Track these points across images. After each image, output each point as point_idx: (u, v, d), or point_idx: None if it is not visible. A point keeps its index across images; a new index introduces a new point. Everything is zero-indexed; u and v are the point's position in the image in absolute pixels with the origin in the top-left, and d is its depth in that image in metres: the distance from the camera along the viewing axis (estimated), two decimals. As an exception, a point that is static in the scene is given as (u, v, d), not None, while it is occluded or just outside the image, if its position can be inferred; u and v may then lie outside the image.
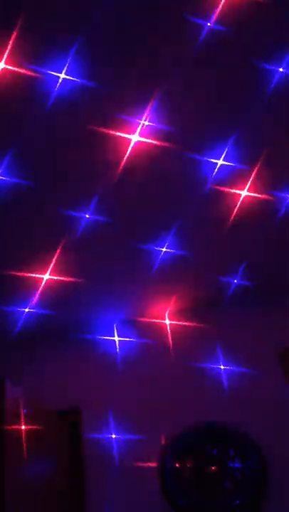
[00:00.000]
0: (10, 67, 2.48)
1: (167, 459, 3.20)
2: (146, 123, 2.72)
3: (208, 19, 2.38)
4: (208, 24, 2.35)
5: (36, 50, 2.46)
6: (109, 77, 2.54)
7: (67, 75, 2.57)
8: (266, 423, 3.29)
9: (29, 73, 2.51)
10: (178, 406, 3.49)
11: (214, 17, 2.37)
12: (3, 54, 2.44)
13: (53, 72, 2.52)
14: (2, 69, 2.48)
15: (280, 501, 3.01)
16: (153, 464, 3.26)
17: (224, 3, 2.37)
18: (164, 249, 3.34)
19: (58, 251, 3.24)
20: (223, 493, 3.05)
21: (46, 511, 2.96)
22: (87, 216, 3.08)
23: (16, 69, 2.50)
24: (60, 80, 2.54)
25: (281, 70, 2.59)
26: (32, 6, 2.28)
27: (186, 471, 3.15)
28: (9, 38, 2.42)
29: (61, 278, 3.45)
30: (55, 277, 3.43)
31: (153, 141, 2.82)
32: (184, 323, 3.84)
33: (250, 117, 2.78)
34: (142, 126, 2.74)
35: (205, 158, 2.91)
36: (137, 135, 2.78)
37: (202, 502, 3.03)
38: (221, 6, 2.39)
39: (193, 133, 2.81)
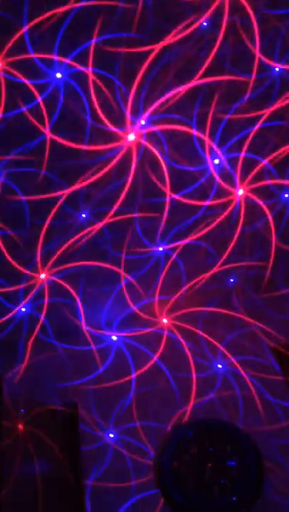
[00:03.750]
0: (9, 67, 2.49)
1: (164, 457, 3.21)
2: (143, 122, 2.74)
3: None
4: (204, 24, 2.37)
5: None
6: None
7: (63, 75, 2.59)
8: (262, 420, 3.31)
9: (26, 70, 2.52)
10: (175, 404, 3.50)
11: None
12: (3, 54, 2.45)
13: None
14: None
15: (276, 499, 3.03)
16: (150, 461, 3.26)
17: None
18: (160, 249, 3.36)
19: (56, 249, 3.26)
20: (219, 490, 3.07)
21: (45, 508, 2.96)
22: (83, 216, 3.10)
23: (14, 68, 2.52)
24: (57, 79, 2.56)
25: (277, 69, 2.62)
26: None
27: (182, 468, 3.16)
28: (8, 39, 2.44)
29: (58, 276, 3.46)
30: (52, 274, 3.45)
31: (150, 142, 2.84)
32: (181, 322, 3.85)
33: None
34: (139, 126, 2.75)
35: (201, 159, 2.94)
36: (133, 135, 2.80)
37: (199, 499, 3.04)
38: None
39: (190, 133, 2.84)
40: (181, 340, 3.76)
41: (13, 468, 3.06)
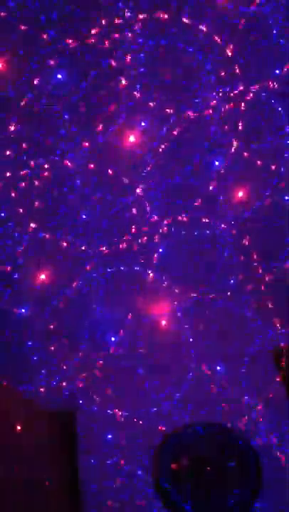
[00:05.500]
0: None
1: (162, 459, 3.21)
2: (143, 124, 2.78)
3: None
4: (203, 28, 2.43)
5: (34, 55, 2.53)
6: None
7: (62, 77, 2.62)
8: (260, 422, 3.32)
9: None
10: (174, 406, 3.51)
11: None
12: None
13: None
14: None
15: (274, 501, 3.03)
16: (149, 464, 3.26)
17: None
18: (161, 250, 3.39)
19: (56, 249, 3.27)
20: (217, 493, 3.06)
21: (42, 510, 2.95)
22: (84, 217, 3.12)
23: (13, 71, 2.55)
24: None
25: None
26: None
27: (181, 472, 3.16)
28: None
29: (57, 278, 3.47)
30: (51, 277, 3.46)
31: (150, 143, 2.87)
32: (181, 322, 3.86)
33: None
34: (139, 127, 2.79)
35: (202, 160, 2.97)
36: (132, 137, 2.83)
37: (197, 502, 3.04)
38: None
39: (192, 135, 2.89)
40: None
41: (11, 470, 3.05)
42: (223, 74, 2.90)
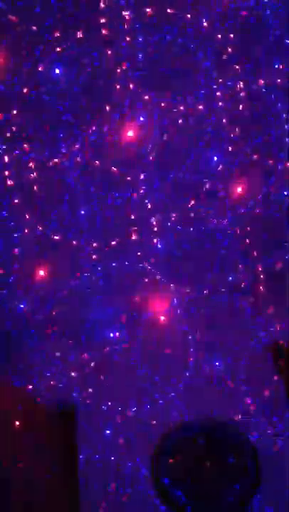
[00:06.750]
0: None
1: (161, 456, 3.22)
2: (142, 119, 2.76)
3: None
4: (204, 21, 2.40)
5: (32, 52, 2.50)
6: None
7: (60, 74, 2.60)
8: (259, 418, 3.33)
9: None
10: (173, 403, 3.51)
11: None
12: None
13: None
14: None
15: (273, 499, 3.05)
16: (147, 461, 3.27)
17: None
18: (160, 246, 3.39)
19: (54, 245, 3.27)
20: (216, 489, 3.07)
21: (41, 508, 2.95)
22: (82, 213, 3.12)
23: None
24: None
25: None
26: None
27: (179, 468, 3.17)
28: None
29: (55, 274, 3.47)
30: (49, 273, 3.45)
31: (149, 138, 2.86)
32: (180, 318, 3.86)
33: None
34: (138, 122, 2.78)
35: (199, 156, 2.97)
36: (131, 133, 2.82)
37: (196, 498, 3.05)
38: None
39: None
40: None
41: (10, 469, 3.05)
42: (222, 68, 2.88)
